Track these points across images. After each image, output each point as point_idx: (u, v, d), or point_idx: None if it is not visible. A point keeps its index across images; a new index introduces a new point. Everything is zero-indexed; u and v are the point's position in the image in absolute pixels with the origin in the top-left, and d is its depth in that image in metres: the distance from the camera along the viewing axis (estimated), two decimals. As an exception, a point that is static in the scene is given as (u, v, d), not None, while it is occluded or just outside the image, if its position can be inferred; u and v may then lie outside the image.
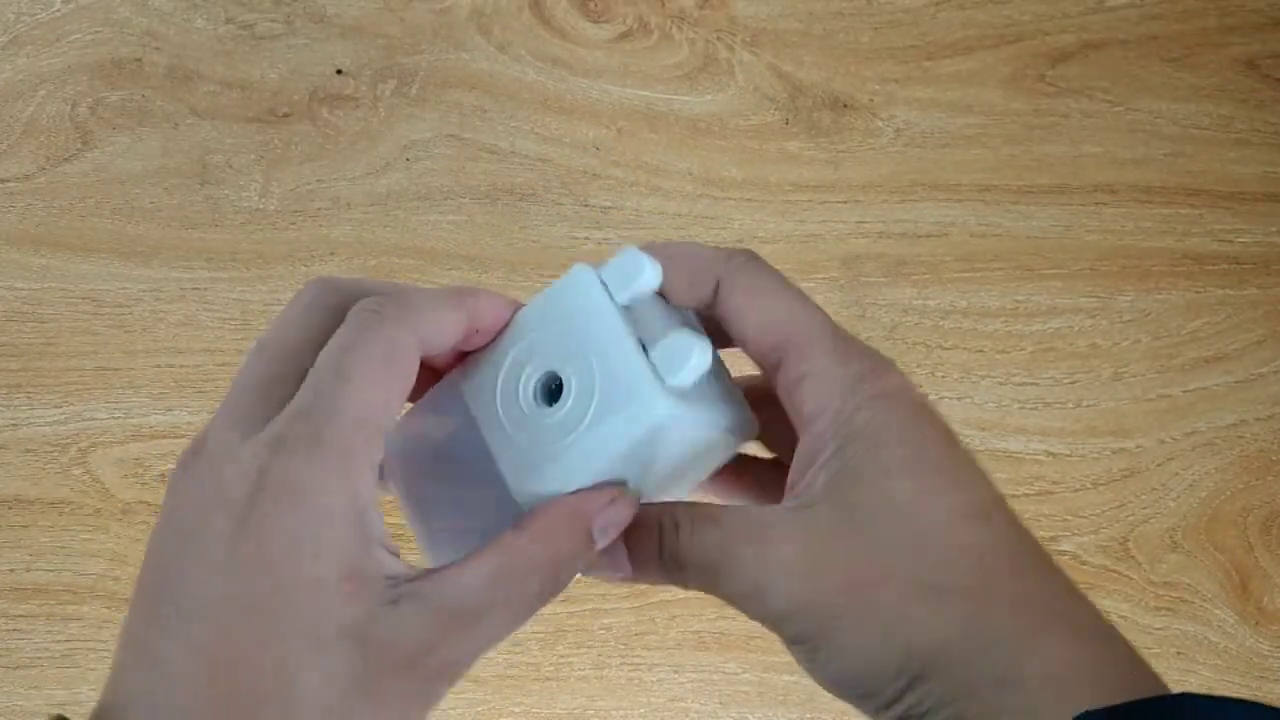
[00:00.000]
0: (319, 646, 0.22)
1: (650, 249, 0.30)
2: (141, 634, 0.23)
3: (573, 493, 0.27)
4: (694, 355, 0.28)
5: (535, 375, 0.29)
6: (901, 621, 0.25)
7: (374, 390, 0.24)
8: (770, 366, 0.29)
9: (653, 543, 0.28)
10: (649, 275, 0.29)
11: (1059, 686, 0.24)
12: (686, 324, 0.31)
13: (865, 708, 0.26)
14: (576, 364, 0.29)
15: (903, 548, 0.26)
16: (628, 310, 0.29)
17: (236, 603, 0.23)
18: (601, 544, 0.27)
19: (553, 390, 0.29)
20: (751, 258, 0.30)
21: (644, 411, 0.28)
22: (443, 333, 0.27)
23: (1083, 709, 0.23)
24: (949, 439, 0.28)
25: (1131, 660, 0.25)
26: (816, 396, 0.28)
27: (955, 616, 0.25)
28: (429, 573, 0.25)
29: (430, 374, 0.30)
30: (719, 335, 0.31)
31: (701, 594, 0.28)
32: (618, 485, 0.29)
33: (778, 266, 0.30)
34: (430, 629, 0.23)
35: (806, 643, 0.26)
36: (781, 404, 0.29)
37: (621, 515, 0.27)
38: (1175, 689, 0.24)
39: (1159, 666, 0.25)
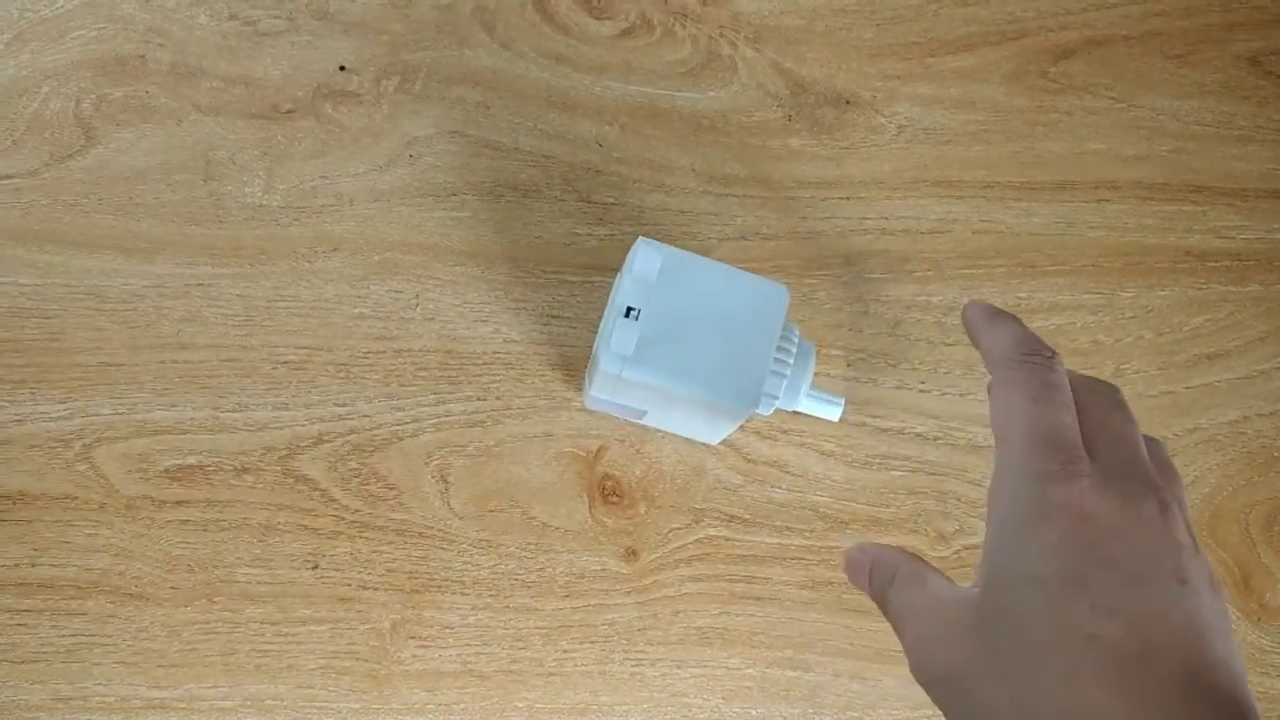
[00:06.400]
0: None
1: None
2: None
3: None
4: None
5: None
6: None
7: None
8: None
9: (864, 575, 0.34)
10: (638, 262, 0.46)
11: None
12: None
13: None
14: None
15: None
16: (646, 284, 0.46)
17: None
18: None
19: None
20: (1020, 364, 0.32)
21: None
22: None
23: None
24: (1114, 560, 0.29)
25: None
26: (1000, 495, 0.29)
27: None
28: None
29: None
30: None
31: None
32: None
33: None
34: None
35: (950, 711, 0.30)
36: None
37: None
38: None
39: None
